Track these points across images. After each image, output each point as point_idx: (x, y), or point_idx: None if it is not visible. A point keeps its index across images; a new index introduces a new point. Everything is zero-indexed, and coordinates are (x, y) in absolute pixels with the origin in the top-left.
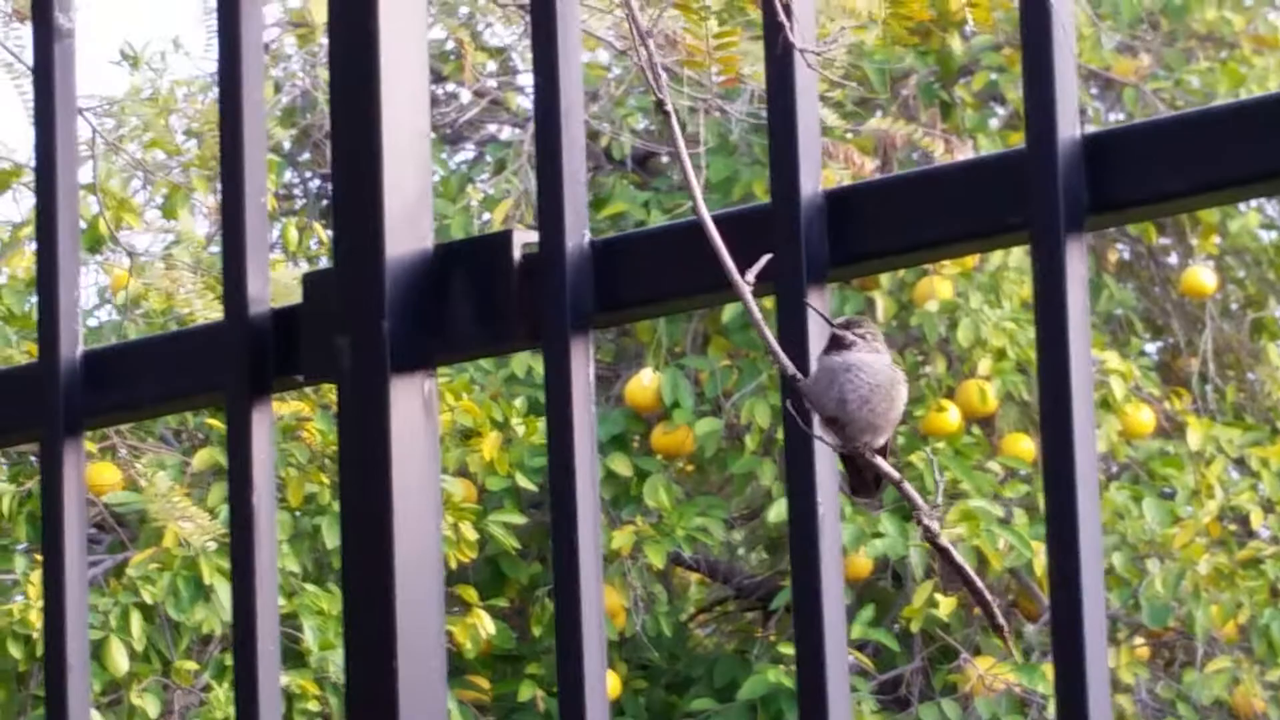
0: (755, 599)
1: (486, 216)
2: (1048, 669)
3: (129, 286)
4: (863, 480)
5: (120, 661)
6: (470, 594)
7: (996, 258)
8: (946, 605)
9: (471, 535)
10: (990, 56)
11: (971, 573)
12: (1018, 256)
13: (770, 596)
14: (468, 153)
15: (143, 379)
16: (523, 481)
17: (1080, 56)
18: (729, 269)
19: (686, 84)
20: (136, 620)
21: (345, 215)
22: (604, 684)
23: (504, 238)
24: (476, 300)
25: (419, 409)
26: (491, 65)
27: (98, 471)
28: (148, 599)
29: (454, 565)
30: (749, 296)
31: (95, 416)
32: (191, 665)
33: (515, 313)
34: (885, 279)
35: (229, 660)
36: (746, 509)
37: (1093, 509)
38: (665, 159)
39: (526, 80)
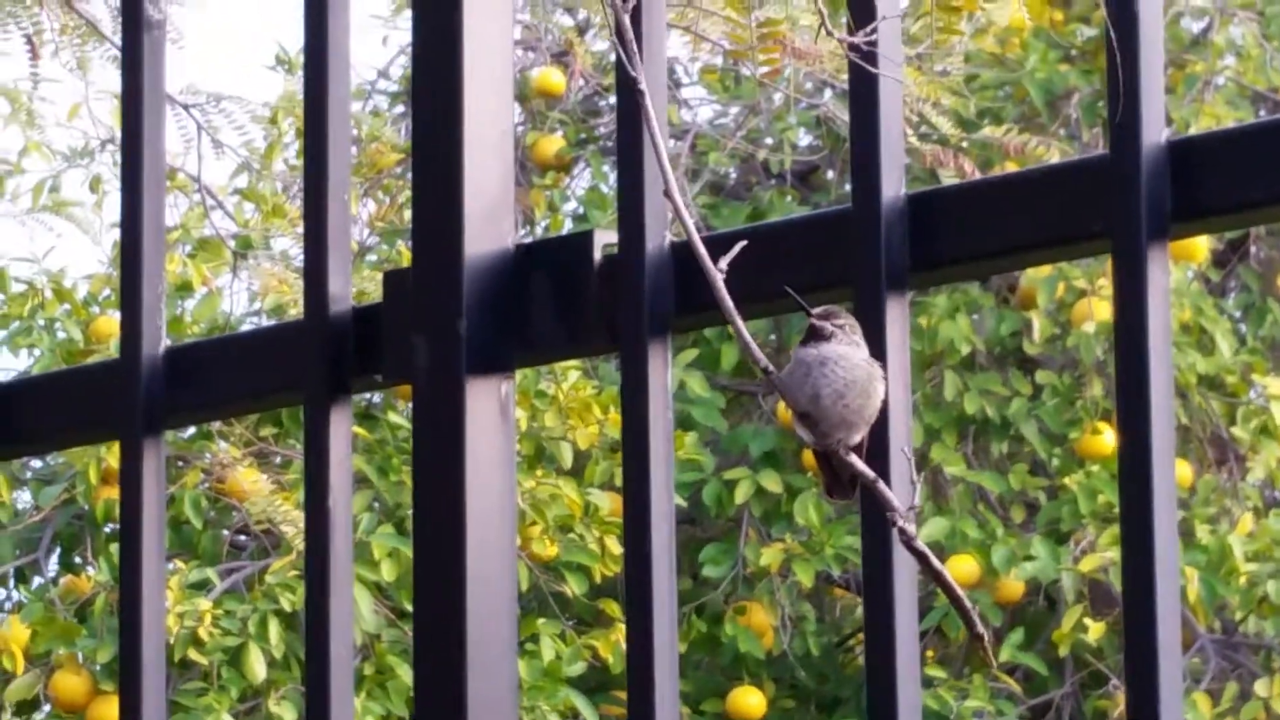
0: None
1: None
2: (1199, 698)
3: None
4: (838, 480)
5: (258, 669)
6: (614, 609)
7: None
8: (1096, 630)
9: (618, 549)
10: None
11: (950, 578)
12: (1176, 279)
13: (921, 617)
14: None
15: (224, 377)
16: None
17: (1245, 76)
18: (700, 255)
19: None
20: (275, 627)
21: (425, 212)
22: (674, 674)
23: (584, 238)
24: (556, 301)
25: (495, 412)
26: None
27: (241, 478)
28: (286, 606)
29: (599, 579)
30: (720, 285)
31: (176, 414)
32: None
33: (595, 315)
34: (1042, 299)
35: (368, 670)
36: None
37: (1169, 521)
38: (830, 174)
39: (688, 93)
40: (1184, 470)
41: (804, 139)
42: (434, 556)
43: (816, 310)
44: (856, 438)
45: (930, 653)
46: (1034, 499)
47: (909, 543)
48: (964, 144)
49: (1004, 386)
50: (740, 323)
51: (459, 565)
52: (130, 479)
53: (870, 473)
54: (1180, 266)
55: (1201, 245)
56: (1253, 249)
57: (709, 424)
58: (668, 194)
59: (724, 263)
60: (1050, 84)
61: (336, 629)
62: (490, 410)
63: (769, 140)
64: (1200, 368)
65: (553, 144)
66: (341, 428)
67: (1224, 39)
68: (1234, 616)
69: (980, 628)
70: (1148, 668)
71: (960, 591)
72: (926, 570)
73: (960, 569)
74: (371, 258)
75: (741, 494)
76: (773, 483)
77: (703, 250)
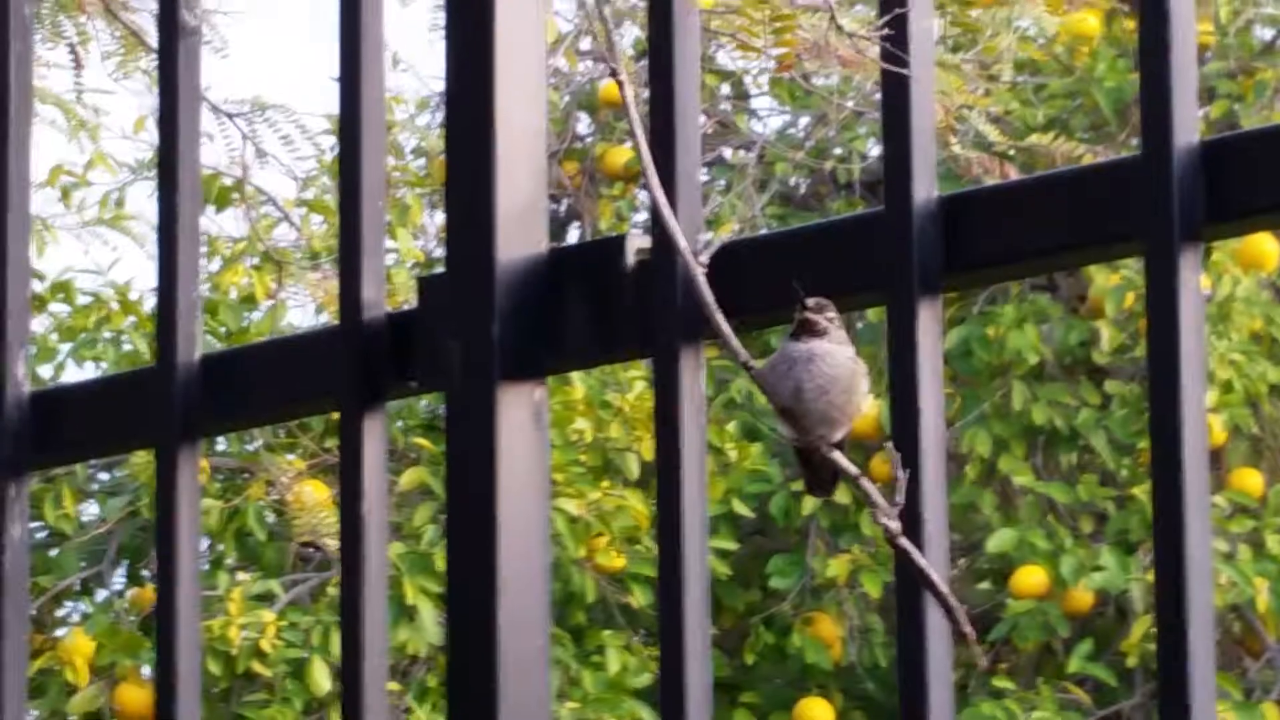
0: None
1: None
2: (1269, 708)
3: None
4: (819, 478)
5: (322, 681)
6: None
7: (1224, 288)
8: None
9: None
10: (1225, 84)
11: (935, 576)
12: (1247, 287)
13: (989, 628)
14: (700, 175)
15: (259, 384)
16: (740, 508)
17: None
18: (682, 248)
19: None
20: (338, 639)
21: (458, 217)
22: (707, 686)
23: (617, 243)
24: (589, 307)
25: (528, 418)
26: (725, 88)
27: (288, 489)
28: None
29: None
30: (701, 279)
31: (212, 423)
32: (394, 686)
33: (627, 320)
34: (1110, 308)
35: (432, 681)
36: (966, 541)
37: (1202, 529)
38: None
39: (759, 103)
40: (1255, 480)
41: (873, 149)
42: (467, 561)
43: (810, 302)
44: (838, 434)
45: (1000, 664)
46: (1103, 509)
47: (892, 539)
48: (1011, 151)
49: (1072, 396)
50: (720, 319)
51: (491, 572)
52: (166, 487)
53: (853, 469)
54: (1250, 275)
55: (1272, 253)
56: None
57: (775, 434)
58: (647, 187)
59: (705, 256)
60: (1119, 92)
61: (371, 640)
62: (523, 416)
63: (838, 150)
64: (1270, 377)
65: (621, 155)
66: (376, 434)
67: None
68: None
69: (968, 628)
70: (1181, 677)
71: (945, 589)
72: (910, 566)
73: (1029, 580)
74: (439, 269)
75: (809, 505)
76: (841, 493)
77: (684, 244)
